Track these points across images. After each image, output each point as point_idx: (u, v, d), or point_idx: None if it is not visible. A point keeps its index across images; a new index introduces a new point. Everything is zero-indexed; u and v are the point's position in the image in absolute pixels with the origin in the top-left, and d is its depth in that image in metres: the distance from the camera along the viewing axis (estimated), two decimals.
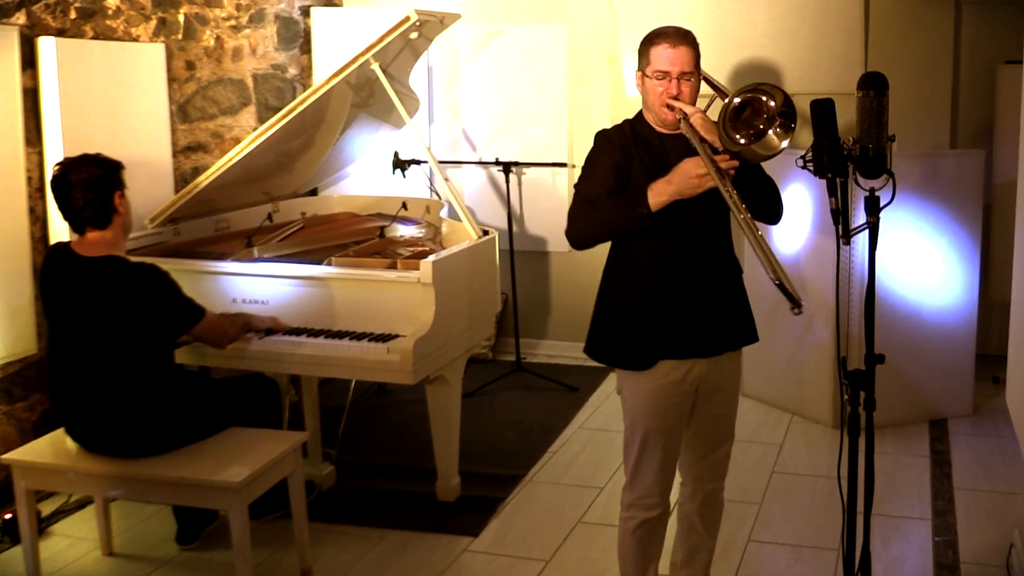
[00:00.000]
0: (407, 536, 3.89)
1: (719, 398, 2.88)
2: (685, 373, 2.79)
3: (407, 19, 4.21)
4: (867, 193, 2.44)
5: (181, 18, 5.05)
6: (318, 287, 3.89)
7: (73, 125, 4.33)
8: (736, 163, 2.54)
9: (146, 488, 3.39)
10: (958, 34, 5.49)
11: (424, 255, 3.89)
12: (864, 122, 2.39)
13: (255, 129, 4.40)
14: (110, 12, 4.63)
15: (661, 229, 2.66)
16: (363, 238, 4.52)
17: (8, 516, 3.81)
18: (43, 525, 3.93)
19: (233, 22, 5.36)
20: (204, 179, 4.27)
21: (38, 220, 4.31)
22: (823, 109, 2.42)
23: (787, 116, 2.46)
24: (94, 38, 4.53)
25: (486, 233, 4.24)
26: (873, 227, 2.45)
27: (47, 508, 4.06)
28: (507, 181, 5.85)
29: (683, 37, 2.68)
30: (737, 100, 2.49)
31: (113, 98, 4.57)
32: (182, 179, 4.98)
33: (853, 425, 2.53)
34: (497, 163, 5.79)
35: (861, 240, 4.25)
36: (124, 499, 4.01)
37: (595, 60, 5.96)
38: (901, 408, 4.81)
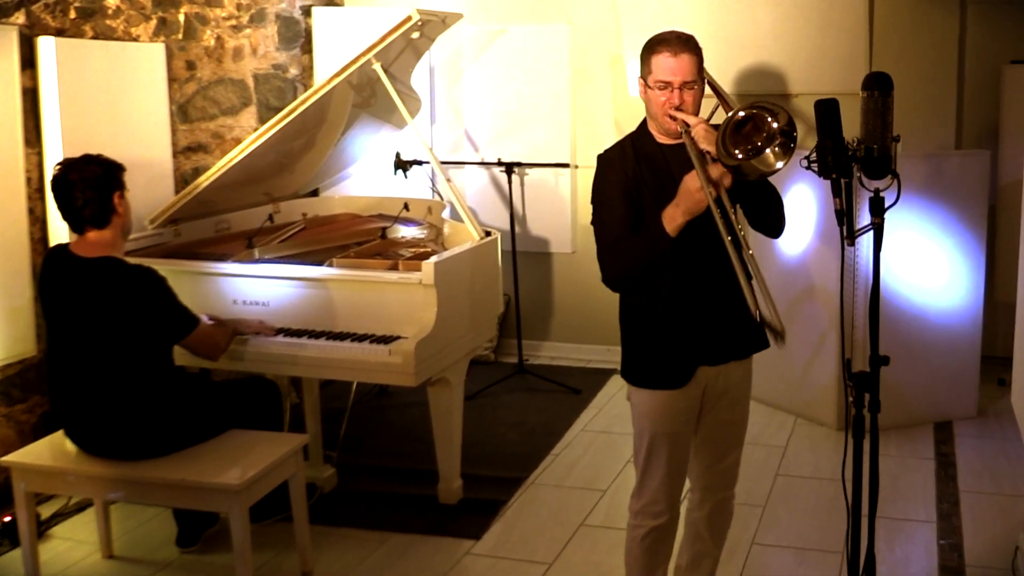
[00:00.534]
0: (409, 539, 3.88)
1: (726, 404, 2.85)
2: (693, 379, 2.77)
3: (409, 19, 4.20)
4: (872, 194, 2.42)
5: (181, 18, 5.03)
6: (319, 288, 3.87)
7: (73, 126, 4.31)
8: (730, 177, 2.51)
9: (146, 490, 3.38)
10: (963, 34, 5.46)
11: (426, 256, 3.88)
12: (869, 122, 2.38)
13: (256, 129, 4.39)
14: (110, 12, 4.62)
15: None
16: (364, 239, 4.51)
17: (7, 519, 3.80)
18: (42, 528, 3.91)
19: (234, 22, 5.34)
20: (204, 180, 4.25)
21: (37, 221, 4.29)
22: (827, 109, 2.40)
23: (787, 136, 2.44)
24: (94, 38, 4.52)
25: (488, 234, 4.22)
26: (878, 228, 2.43)
27: (47, 511, 4.04)
28: (509, 182, 5.83)
29: (685, 44, 2.63)
30: (741, 115, 2.47)
31: (113, 98, 4.56)
32: (182, 180, 4.97)
33: (857, 427, 2.52)
34: (499, 164, 5.77)
35: (866, 241, 4.21)
36: (124, 502, 4.00)
37: (598, 60, 5.94)
38: (906, 410, 4.78)
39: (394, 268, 3.88)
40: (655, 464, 2.82)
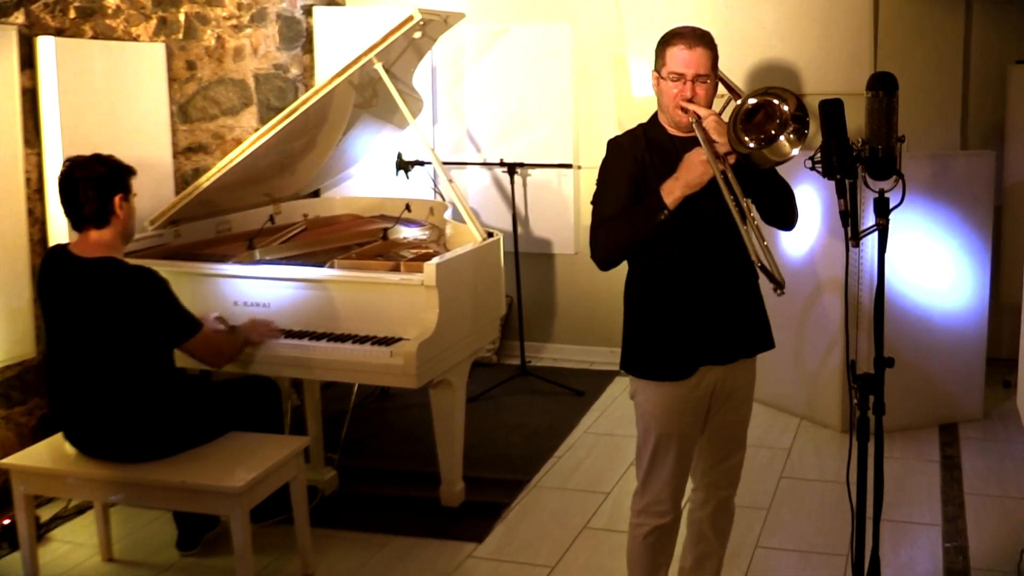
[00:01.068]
0: (410, 542, 3.86)
1: (733, 404, 2.84)
2: (700, 378, 2.75)
3: (411, 18, 4.18)
4: (876, 194, 2.42)
5: (182, 17, 5.02)
6: (320, 290, 3.85)
7: (72, 126, 4.30)
8: (735, 155, 2.50)
9: (146, 493, 3.36)
10: (968, 34, 5.44)
11: (428, 257, 3.86)
12: (873, 123, 2.38)
13: (257, 130, 4.37)
14: (110, 11, 4.61)
15: (677, 237, 2.64)
16: (366, 240, 4.49)
17: (7, 522, 3.78)
18: (42, 531, 3.90)
19: (234, 21, 5.33)
20: (205, 180, 4.24)
21: (37, 222, 4.28)
22: (832, 109, 2.39)
23: (800, 122, 2.44)
24: (93, 37, 4.51)
25: (490, 235, 4.20)
26: (882, 229, 2.43)
27: (46, 513, 4.03)
28: (512, 182, 5.81)
29: (700, 38, 2.64)
30: (751, 102, 2.47)
31: (113, 98, 4.54)
32: (183, 180, 4.96)
33: (862, 429, 2.52)
34: (502, 164, 5.76)
35: (870, 242, 4.21)
36: (124, 504, 3.98)
37: (601, 60, 5.92)
38: (911, 412, 4.76)
39: (396, 269, 3.87)
40: (661, 463, 2.80)
